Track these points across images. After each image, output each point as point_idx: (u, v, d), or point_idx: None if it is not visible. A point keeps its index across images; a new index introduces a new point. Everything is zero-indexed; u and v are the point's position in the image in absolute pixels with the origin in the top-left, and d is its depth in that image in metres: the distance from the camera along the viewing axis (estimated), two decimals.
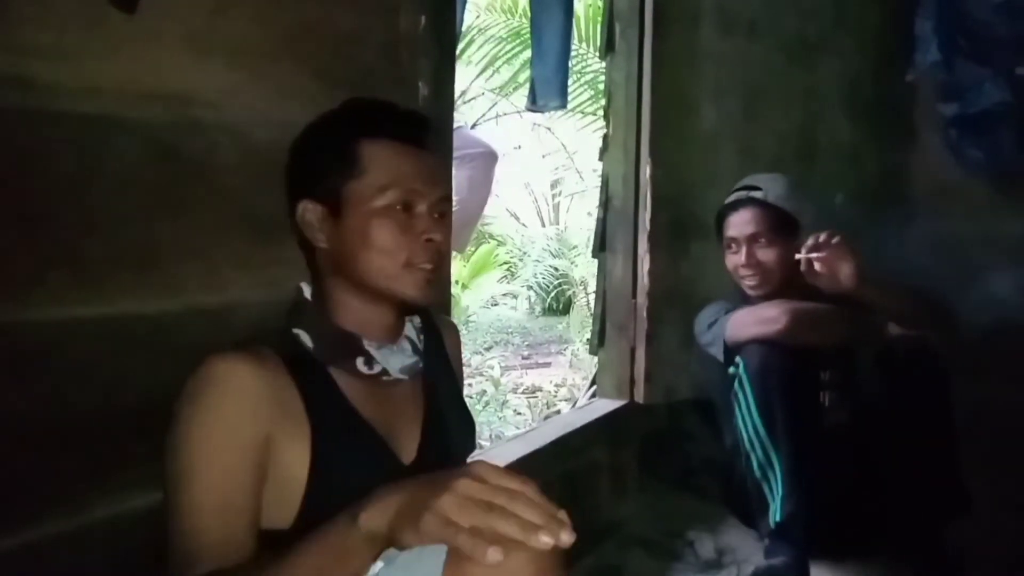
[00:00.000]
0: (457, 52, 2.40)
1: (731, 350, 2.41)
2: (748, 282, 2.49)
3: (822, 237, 2.26)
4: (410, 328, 1.37)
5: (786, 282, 2.46)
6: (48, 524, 1.22)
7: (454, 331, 1.58)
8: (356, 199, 1.24)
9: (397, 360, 1.30)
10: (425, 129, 1.32)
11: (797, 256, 2.31)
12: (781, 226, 2.47)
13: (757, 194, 2.51)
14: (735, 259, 2.51)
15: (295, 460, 1.15)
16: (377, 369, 1.27)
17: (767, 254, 2.46)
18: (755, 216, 2.49)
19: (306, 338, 1.25)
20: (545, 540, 0.85)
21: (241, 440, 1.13)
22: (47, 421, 1.22)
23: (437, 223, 1.28)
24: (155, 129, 1.33)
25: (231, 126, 1.45)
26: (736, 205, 2.53)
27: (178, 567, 1.08)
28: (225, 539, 1.09)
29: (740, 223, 2.50)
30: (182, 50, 1.36)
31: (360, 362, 1.26)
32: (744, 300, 2.53)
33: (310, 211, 1.27)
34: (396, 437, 1.29)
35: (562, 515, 0.88)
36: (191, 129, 1.39)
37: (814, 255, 2.26)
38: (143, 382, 1.32)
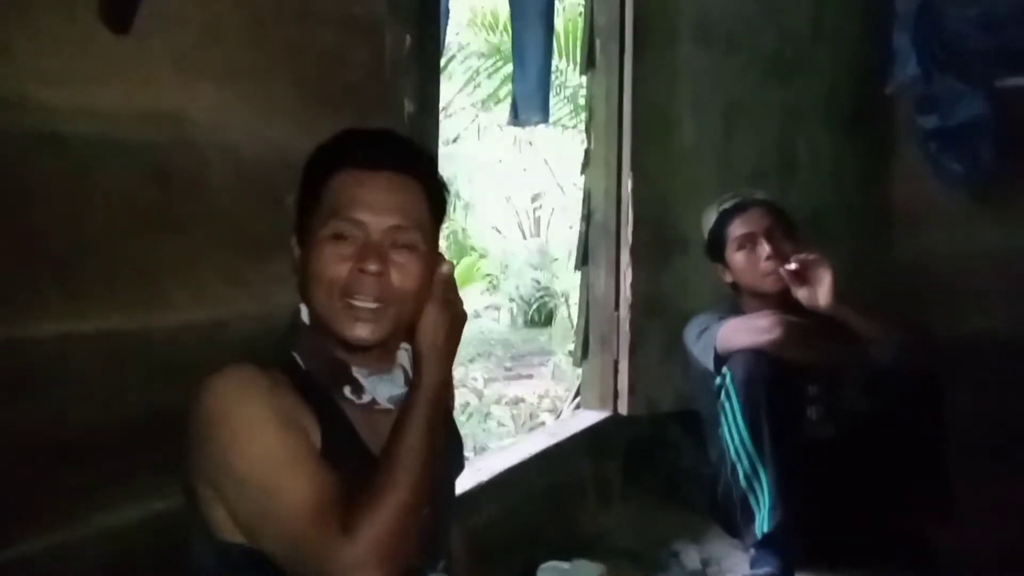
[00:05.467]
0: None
1: (721, 359, 2.40)
2: (771, 276, 2.45)
3: (802, 255, 2.33)
4: (404, 356, 1.32)
5: (786, 289, 2.46)
6: (45, 536, 1.23)
7: None
8: (309, 230, 1.22)
9: (386, 389, 1.26)
10: (398, 153, 1.26)
11: (779, 269, 2.36)
12: (786, 225, 2.52)
13: (758, 196, 2.55)
14: (754, 255, 2.48)
15: None
16: (366, 399, 1.24)
17: (786, 247, 2.45)
18: (766, 211, 2.51)
19: (301, 362, 1.23)
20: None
21: (292, 420, 1.12)
22: (44, 435, 1.23)
23: (386, 254, 1.19)
24: (148, 148, 1.36)
25: (221, 145, 1.47)
26: (743, 205, 2.54)
27: (312, 555, 1.04)
28: (338, 491, 1.07)
29: (754, 218, 2.50)
30: (173, 71, 1.38)
31: (347, 390, 1.23)
32: (734, 310, 2.55)
33: (293, 244, 1.27)
34: None
35: None
36: (183, 148, 1.41)
37: (791, 266, 2.33)
38: (138, 397, 1.34)
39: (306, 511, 1.05)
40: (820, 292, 2.32)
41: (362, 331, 1.19)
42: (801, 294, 2.36)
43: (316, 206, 1.22)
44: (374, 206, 1.20)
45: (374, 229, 1.19)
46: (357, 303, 1.18)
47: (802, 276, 2.36)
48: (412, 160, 1.27)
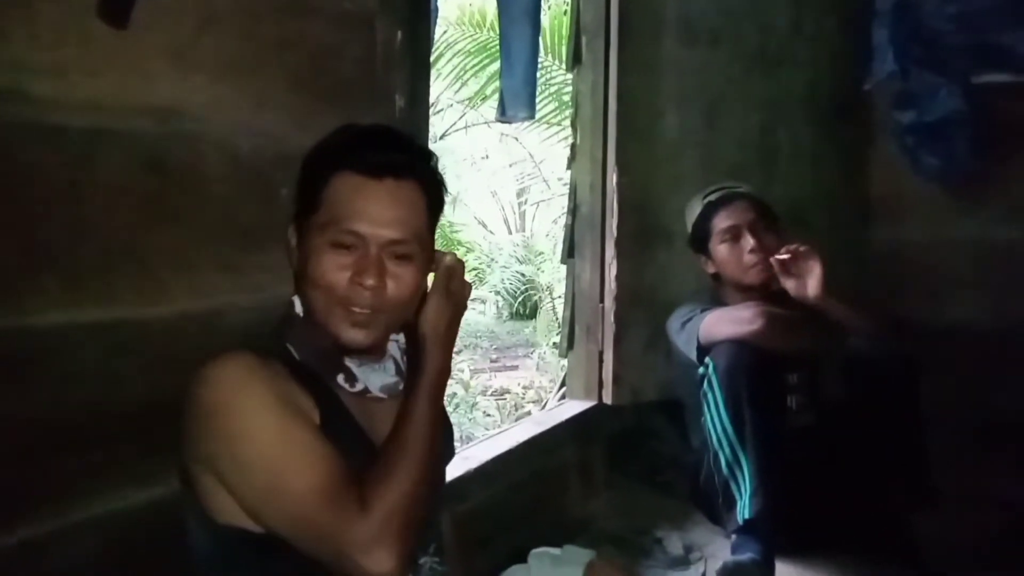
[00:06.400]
0: None
1: (704, 349, 2.44)
2: (756, 268, 2.51)
3: (793, 245, 2.37)
4: (394, 348, 1.36)
5: (770, 280, 2.52)
6: (44, 522, 1.25)
7: None
8: (309, 232, 1.24)
9: (378, 379, 1.30)
10: (407, 162, 1.27)
11: (771, 259, 2.40)
12: (770, 218, 2.56)
13: (741, 189, 2.60)
14: (739, 247, 2.53)
15: None
16: (359, 387, 1.28)
17: (770, 239, 2.50)
18: (750, 205, 2.56)
19: (295, 352, 1.27)
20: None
21: (292, 403, 1.16)
22: (43, 423, 1.25)
23: (383, 267, 1.23)
24: (144, 140, 1.38)
25: (216, 137, 1.50)
26: (728, 198, 2.58)
27: (325, 536, 1.07)
28: (346, 471, 1.11)
29: (738, 211, 2.55)
30: (169, 64, 1.41)
31: (341, 378, 1.27)
32: (716, 301, 2.60)
33: (290, 235, 1.29)
34: None
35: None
36: (178, 140, 1.43)
37: (784, 257, 2.37)
38: (134, 384, 1.37)
39: (318, 491, 1.08)
40: (810, 284, 2.37)
41: (357, 335, 1.24)
42: (789, 284, 2.40)
43: (316, 205, 1.24)
44: (375, 219, 1.22)
45: (373, 242, 1.22)
46: (354, 309, 1.22)
47: (791, 267, 2.41)
48: (413, 163, 1.29)
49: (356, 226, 1.22)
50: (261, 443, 1.11)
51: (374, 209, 1.23)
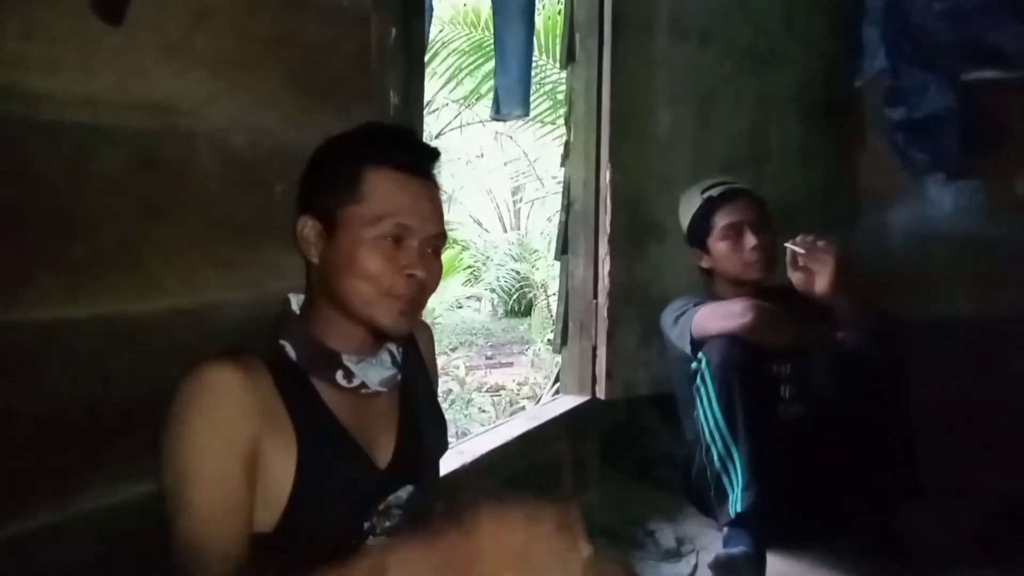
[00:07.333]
0: None
1: (697, 343, 2.45)
2: (757, 265, 2.52)
3: (810, 238, 2.37)
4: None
5: (766, 276, 2.53)
6: (37, 516, 1.26)
7: (427, 331, 1.61)
8: (350, 224, 1.26)
9: (376, 373, 1.32)
10: (432, 161, 1.33)
11: (785, 244, 2.40)
12: (767, 216, 2.57)
13: (740, 185, 2.61)
14: (740, 245, 2.53)
15: (281, 465, 1.18)
16: (356, 383, 1.29)
17: (768, 238, 2.52)
18: (752, 202, 2.56)
19: (290, 349, 1.28)
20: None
21: (233, 444, 1.15)
22: (35, 417, 1.26)
23: (425, 259, 1.29)
24: (138, 137, 1.39)
25: (210, 133, 1.50)
26: (730, 194, 2.58)
27: (183, 566, 1.10)
28: (224, 536, 1.12)
29: (741, 208, 2.55)
30: (163, 61, 1.41)
31: (339, 376, 1.28)
32: (709, 296, 2.60)
33: (309, 227, 1.29)
34: (373, 443, 1.32)
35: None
36: (172, 136, 1.44)
37: (799, 249, 2.37)
38: (127, 380, 1.37)
39: (191, 545, 1.11)
40: (819, 279, 2.36)
41: (403, 323, 1.29)
42: (796, 277, 2.41)
43: (355, 198, 1.27)
44: (422, 213, 1.28)
45: (418, 235, 1.28)
46: (396, 299, 1.27)
47: (800, 259, 2.40)
48: (436, 165, 1.35)
49: (407, 220, 1.26)
50: (179, 468, 1.13)
51: (421, 205, 1.29)
